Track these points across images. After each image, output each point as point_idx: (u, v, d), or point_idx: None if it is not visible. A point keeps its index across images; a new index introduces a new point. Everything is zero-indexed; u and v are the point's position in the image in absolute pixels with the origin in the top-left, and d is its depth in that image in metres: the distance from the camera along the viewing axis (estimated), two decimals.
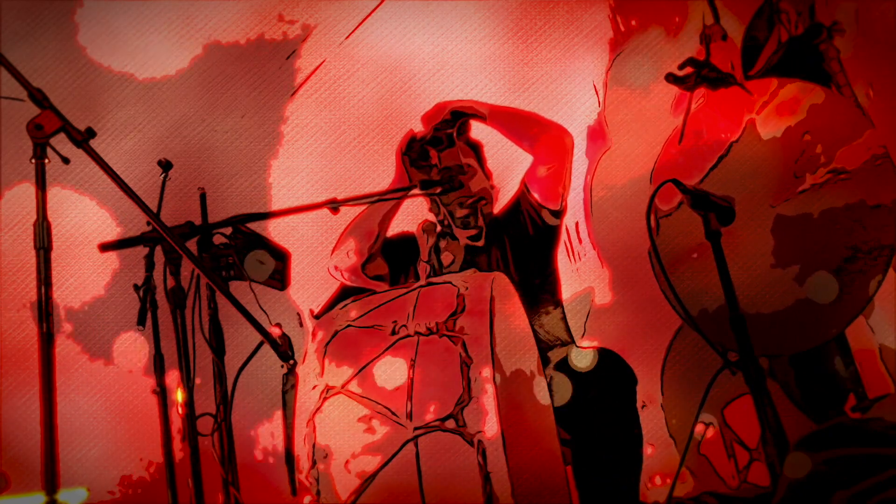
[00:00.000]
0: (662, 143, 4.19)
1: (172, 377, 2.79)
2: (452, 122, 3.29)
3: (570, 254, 4.23)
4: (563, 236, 3.65)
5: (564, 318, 3.31)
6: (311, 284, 4.06)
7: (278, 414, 3.73)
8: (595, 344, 3.89)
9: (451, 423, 2.26)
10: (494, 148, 3.52)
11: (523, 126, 3.37)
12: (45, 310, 2.13)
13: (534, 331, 2.89)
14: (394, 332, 2.43)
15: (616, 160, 4.26)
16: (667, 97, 4.21)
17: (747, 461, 3.97)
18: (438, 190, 3.21)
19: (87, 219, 4.04)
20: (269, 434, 3.86)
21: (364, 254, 3.39)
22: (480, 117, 3.32)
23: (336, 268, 3.44)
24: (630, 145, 4.25)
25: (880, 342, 3.97)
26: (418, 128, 3.39)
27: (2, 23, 4.05)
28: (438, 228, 3.40)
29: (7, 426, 3.84)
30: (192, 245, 2.89)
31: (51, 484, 2.02)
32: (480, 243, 3.31)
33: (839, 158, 3.88)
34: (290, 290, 3.87)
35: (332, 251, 3.48)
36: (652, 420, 4.01)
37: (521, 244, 3.30)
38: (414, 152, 3.30)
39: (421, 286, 2.58)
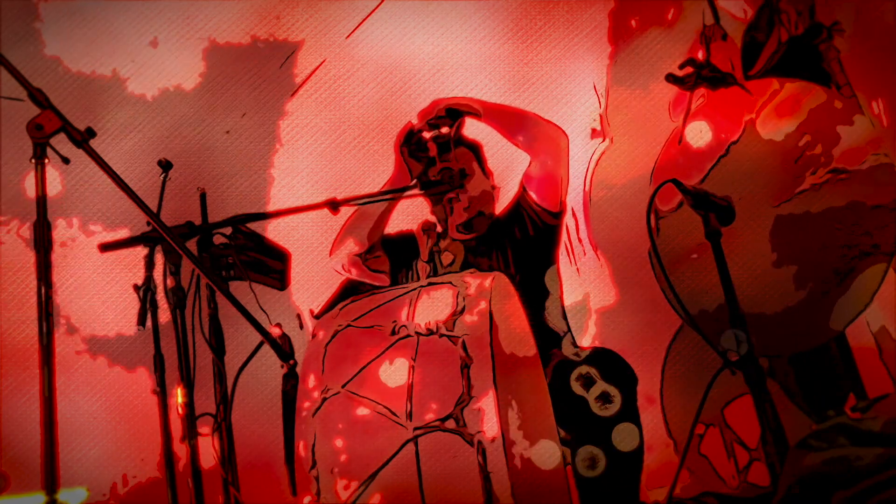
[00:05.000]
0: (662, 143, 4.19)
1: (172, 377, 2.79)
2: (449, 120, 3.29)
3: (570, 254, 4.23)
4: (563, 236, 3.65)
5: (565, 317, 3.32)
6: (311, 284, 4.06)
7: (278, 414, 3.73)
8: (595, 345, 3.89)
9: (451, 423, 2.26)
10: (494, 148, 3.52)
11: (519, 124, 3.38)
12: (45, 310, 2.13)
13: (533, 331, 2.90)
14: (394, 332, 2.43)
15: (616, 160, 4.26)
16: (667, 97, 4.21)
17: (747, 461, 3.97)
18: (438, 189, 3.21)
19: (87, 219, 4.04)
20: (269, 434, 3.86)
21: (364, 245, 3.40)
22: (475, 114, 3.32)
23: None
24: (630, 145, 4.25)
25: (880, 342, 3.98)
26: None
27: (2, 23, 4.05)
28: (439, 228, 3.40)
29: (7, 426, 3.84)
30: (192, 245, 2.89)
31: (51, 484, 2.02)
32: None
33: (839, 158, 3.88)
34: (290, 290, 3.87)
35: (331, 252, 3.48)
36: (652, 420, 4.01)
37: (523, 244, 3.30)
38: (412, 144, 3.32)
39: (421, 286, 2.58)
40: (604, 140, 4.25)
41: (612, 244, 4.21)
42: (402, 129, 3.37)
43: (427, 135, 3.33)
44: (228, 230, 3.03)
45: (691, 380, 4.01)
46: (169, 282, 2.75)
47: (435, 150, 3.30)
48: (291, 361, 2.70)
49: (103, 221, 4.02)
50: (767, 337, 3.78)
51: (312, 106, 4.25)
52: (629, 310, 4.15)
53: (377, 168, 3.94)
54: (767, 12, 4.24)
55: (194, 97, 4.18)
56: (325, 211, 2.92)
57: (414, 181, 3.34)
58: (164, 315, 2.84)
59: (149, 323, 2.92)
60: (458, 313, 2.39)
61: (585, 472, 2.76)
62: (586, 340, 4.11)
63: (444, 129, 3.31)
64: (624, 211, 4.18)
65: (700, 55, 4.18)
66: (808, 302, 3.87)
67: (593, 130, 4.26)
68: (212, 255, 3.01)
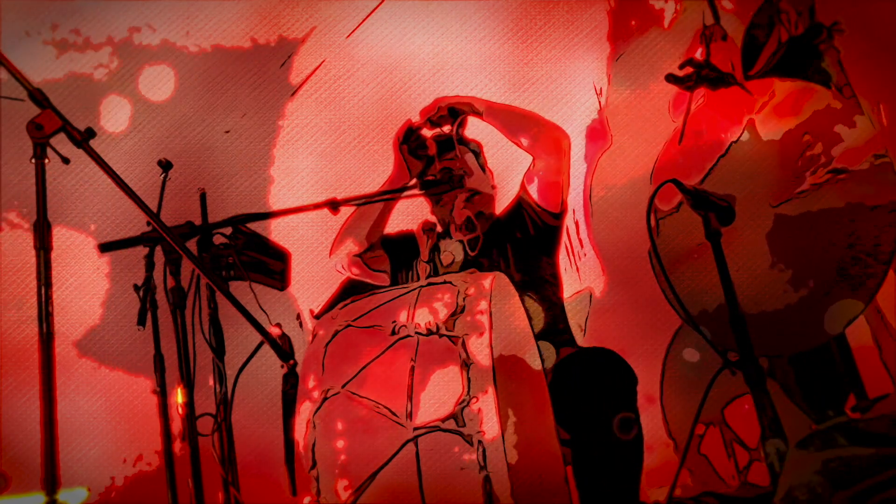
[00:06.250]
0: (662, 143, 4.19)
1: (172, 377, 2.79)
2: (450, 119, 3.29)
3: (570, 254, 4.24)
4: (564, 237, 3.65)
5: (565, 318, 3.31)
6: (311, 284, 4.07)
7: (278, 414, 3.73)
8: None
9: (451, 423, 2.26)
10: (494, 148, 3.52)
11: (521, 124, 3.37)
12: (45, 310, 2.13)
13: (532, 329, 2.89)
14: (394, 332, 2.43)
15: (616, 160, 4.26)
16: (667, 97, 4.21)
17: (747, 461, 3.98)
18: (439, 189, 3.21)
19: (87, 219, 4.04)
20: (269, 434, 3.86)
21: (364, 245, 3.40)
22: (477, 113, 3.32)
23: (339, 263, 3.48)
24: (630, 145, 4.25)
25: (880, 342, 3.98)
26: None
27: (2, 23, 4.05)
28: (439, 228, 3.40)
29: (7, 426, 3.84)
30: (192, 245, 2.89)
31: (51, 484, 2.02)
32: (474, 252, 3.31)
33: (839, 158, 3.88)
34: (290, 290, 3.87)
35: (331, 252, 3.49)
36: (652, 420, 4.01)
37: (523, 244, 3.30)
38: (412, 141, 3.32)
39: (421, 286, 2.58)
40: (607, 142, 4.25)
41: (612, 244, 4.22)
42: (401, 127, 3.37)
43: (427, 133, 3.33)
44: (228, 230, 3.03)
45: (691, 380, 4.02)
46: (169, 282, 2.74)
47: (435, 149, 3.30)
48: (291, 361, 2.70)
49: (103, 221, 4.02)
50: (767, 337, 3.78)
51: (312, 106, 4.25)
52: (629, 309, 4.15)
53: (377, 168, 3.94)
54: (767, 12, 4.24)
55: (194, 97, 4.18)
56: (325, 211, 2.92)
57: (414, 180, 3.34)
58: (165, 315, 2.84)
59: (149, 323, 2.92)
60: (458, 313, 2.39)
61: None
62: (586, 340, 4.12)
63: (446, 128, 3.31)
64: (624, 211, 4.18)
65: (699, 54, 4.18)
66: (808, 302, 3.87)
67: (590, 130, 4.27)
68: (212, 255, 3.01)
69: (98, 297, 4.03)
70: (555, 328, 3.22)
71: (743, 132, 4.06)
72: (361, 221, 3.42)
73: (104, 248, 2.97)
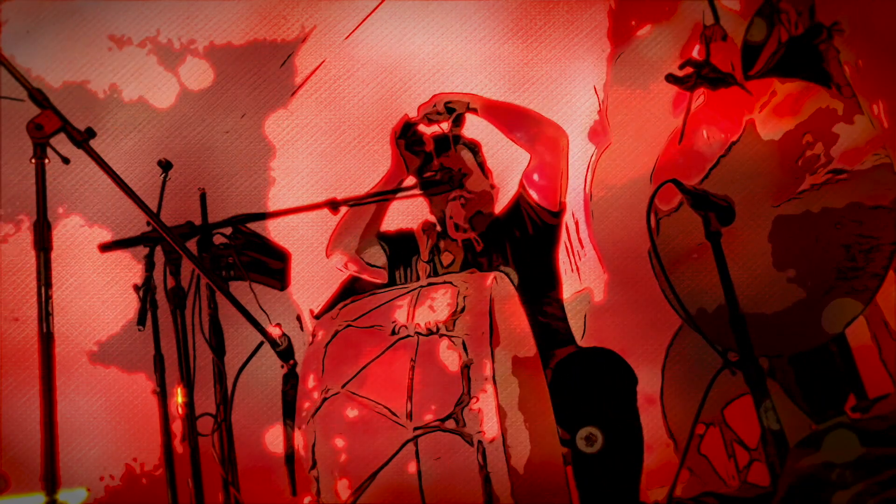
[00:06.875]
0: (662, 143, 4.19)
1: (172, 377, 2.78)
2: (448, 117, 3.29)
3: (570, 254, 4.24)
4: (563, 236, 3.65)
5: (565, 318, 3.31)
6: (311, 284, 4.07)
7: (278, 414, 3.73)
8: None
9: (451, 423, 2.26)
10: (494, 147, 3.52)
11: (519, 122, 3.37)
12: (44, 310, 2.13)
13: (534, 331, 2.89)
14: (394, 332, 2.43)
15: (616, 160, 4.26)
16: (667, 97, 4.21)
17: (747, 461, 3.98)
18: (438, 189, 3.21)
19: (87, 219, 4.04)
20: (269, 434, 3.86)
21: (360, 242, 3.40)
22: (473, 110, 3.32)
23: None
24: (630, 145, 4.25)
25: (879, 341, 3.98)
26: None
27: (2, 23, 4.05)
28: (438, 228, 3.40)
29: (7, 426, 3.84)
30: (192, 245, 2.89)
31: (51, 484, 2.02)
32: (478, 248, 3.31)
33: (839, 159, 3.88)
34: (290, 290, 3.87)
35: (327, 252, 3.48)
36: (652, 420, 4.01)
37: (522, 244, 3.30)
38: (409, 136, 3.32)
39: (421, 286, 2.58)
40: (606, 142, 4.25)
41: (612, 244, 4.22)
42: (398, 122, 3.37)
43: (426, 129, 3.33)
44: (228, 230, 3.03)
45: (691, 380, 4.02)
46: (169, 282, 2.74)
47: (432, 146, 3.30)
48: (291, 361, 2.70)
49: (103, 221, 4.02)
50: (767, 337, 3.78)
51: (312, 106, 4.25)
52: (629, 309, 4.15)
53: (377, 168, 3.93)
54: (767, 12, 4.24)
55: (194, 97, 4.18)
56: (325, 211, 2.92)
57: (412, 179, 3.34)
58: (165, 315, 2.83)
59: (149, 323, 2.92)
60: (458, 313, 2.39)
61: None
62: (586, 340, 4.11)
63: (444, 125, 3.31)
64: (624, 211, 4.18)
65: (697, 53, 4.18)
66: (808, 302, 3.87)
67: (590, 130, 4.27)
68: (212, 255, 3.01)
69: (98, 297, 4.03)
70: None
71: (743, 132, 4.06)
72: (357, 220, 3.42)
73: (104, 248, 2.97)
